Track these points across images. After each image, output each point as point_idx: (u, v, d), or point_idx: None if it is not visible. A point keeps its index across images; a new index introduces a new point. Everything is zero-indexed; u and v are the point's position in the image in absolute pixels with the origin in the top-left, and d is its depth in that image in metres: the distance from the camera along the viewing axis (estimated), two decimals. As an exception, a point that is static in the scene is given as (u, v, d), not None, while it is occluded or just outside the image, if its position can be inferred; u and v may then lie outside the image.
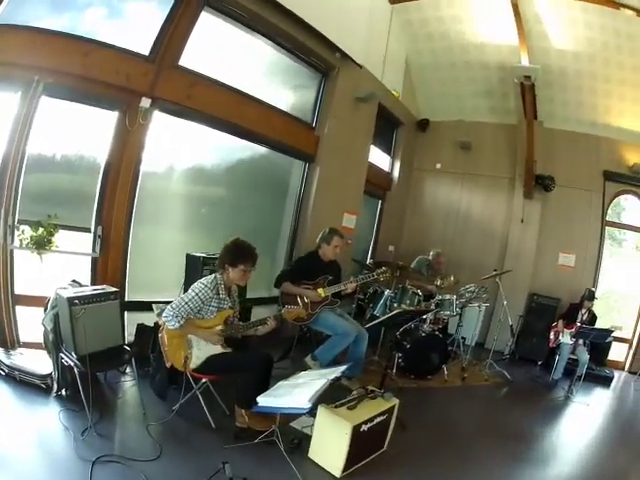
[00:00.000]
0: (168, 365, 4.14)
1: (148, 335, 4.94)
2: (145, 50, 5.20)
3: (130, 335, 5.19)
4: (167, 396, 4.44)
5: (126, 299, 5.32)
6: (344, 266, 6.79)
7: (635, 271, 10.23)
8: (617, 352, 9.92)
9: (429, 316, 7.08)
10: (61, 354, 4.06)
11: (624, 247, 11.04)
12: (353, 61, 7.51)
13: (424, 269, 8.36)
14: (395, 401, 4.41)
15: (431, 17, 8.92)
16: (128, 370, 4.91)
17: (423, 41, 9.38)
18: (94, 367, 3.97)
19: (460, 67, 9.54)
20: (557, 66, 8.84)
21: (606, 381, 8.62)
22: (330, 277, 5.70)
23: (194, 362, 4.06)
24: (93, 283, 4.94)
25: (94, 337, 4.15)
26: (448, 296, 7.30)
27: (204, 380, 4.24)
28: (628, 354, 9.82)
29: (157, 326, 4.49)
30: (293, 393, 3.71)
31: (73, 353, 3.98)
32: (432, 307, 7.14)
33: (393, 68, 9.28)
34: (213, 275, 4.28)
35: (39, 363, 4.26)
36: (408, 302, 6.95)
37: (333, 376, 3.89)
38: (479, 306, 7.96)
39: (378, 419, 4.12)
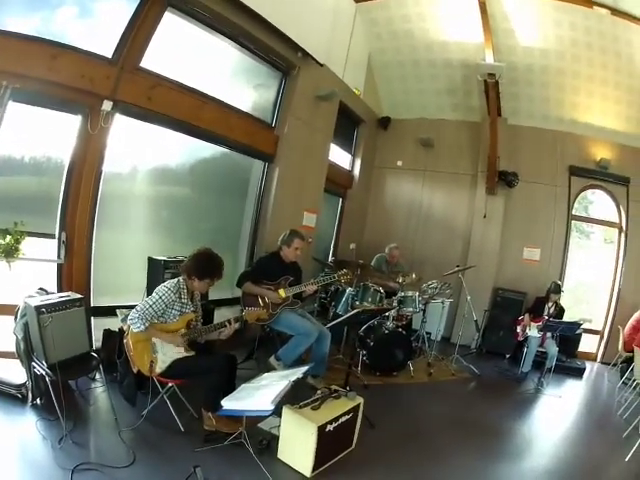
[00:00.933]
0: (135, 370, 4.28)
1: (114, 340, 5.00)
2: (109, 52, 5.31)
3: (97, 341, 5.30)
4: (136, 401, 4.57)
5: (92, 305, 5.43)
6: (305, 265, 7.10)
7: (604, 263, 10.72)
8: (588, 343, 10.35)
9: (392, 313, 7.31)
10: (33, 363, 4.18)
11: (592, 240, 11.56)
12: (314, 60, 7.74)
13: (384, 266, 8.68)
14: (359, 400, 4.60)
15: (396, 15, 9.20)
16: (97, 376, 5.05)
17: (387, 39, 9.67)
18: (64, 375, 4.08)
19: (423, 65, 9.87)
20: (523, 63, 9.23)
21: (578, 372, 9.01)
22: (291, 278, 5.95)
23: (159, 366, 4.22)
24: (60, 290, 5.07)
25: (62, 345, 4.29)
26: (410, 293, 7.56)
27: (170, 384, 4.40)
28: (599, 345, 10.36)
29: (122, 331, 4.59)
30: (256, 396, 3.89)
31: (44, 362, 4.11)
32: (394, 304, 7.40)
33: (355, 66, 9.57)
34: (177, 279, 4.44)
35: (13, 372, 4.37)
36: (370, 300, 7.21)
37: (295, 377, 4.07)
38: (442, 302, 8.22)
39: (343, 418, 4.31)
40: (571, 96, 9.69)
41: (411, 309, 7.56)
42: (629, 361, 8.27)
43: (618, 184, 10.22)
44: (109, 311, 5.35)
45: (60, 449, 3.60)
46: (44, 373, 4.06)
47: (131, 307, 4.26)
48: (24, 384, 4.24)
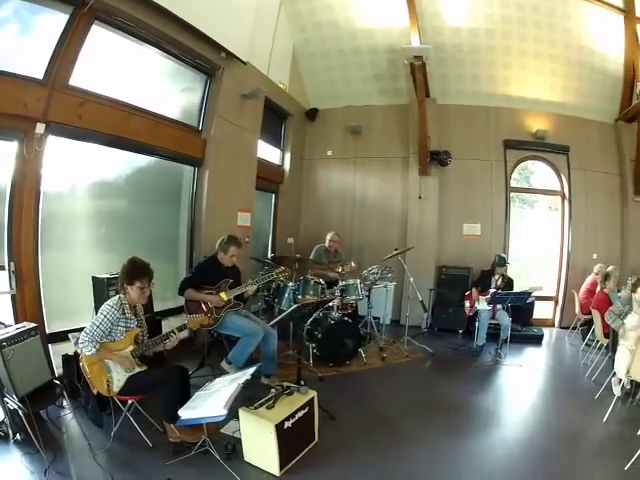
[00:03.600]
0: (95, 392, 4.67)
1: (73, 365, 5.31)
2: (39, 74, 5.69)
3: (58, 367, 5.66)
4: (103, 423, 5.00)
5: (47, 332, 5.80)
6: (244, 265, 7.81)
7: (550, 231, 12.04)
8: (544, 310, 11.65)
9: (335, 303, 8.09)
10: (5, 399, 4.49)
11: (536, 209, 12.96)
12: (238, 59, 8.47)
13: (324, 257, 9.45)
14: (312, 393, 5.03)
15: (319, 6, 10.20)
16: (64, 403, 5.43)
17: (311, 31, 10.64)
18: (34, 406, 4.49)
19: (348, 53, 10.90)
20: (452, 43, 10.32)
21: (536, 340, 10.10)
22: (231, 280, 6.53)
23: (116, 385, 4.61)
24: (16, 321, 5.45)
25: (27, 376, 4.70)
26: (352, 281, 8.39)
27: (130, 401, 4.83)
28: (555, 311, 11.71)
29: (77, 355, 4.92)
30: (209, 402, 4.29)
31: (14, 395, 4.47)
32: (336, 294, 8.19)
33: (280, 61, 10.46)
34: (117, 296, 4.83)
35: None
36: (312, 292, 7.98)
37: (244, 379, 4.49)
38: (385, 286, 9.06)
39: (300, 413, 4.73)
40: (503, 72, 10.84)
41: (354, 297, 8.37)
42: (589, 324, 9.30)
43: (558, 153, 11.50)
44: (64, 336, 5.73)
45: (47, 481, 4.02)
46: (16, 407, 4.44)
47: (82, 329, 4.60)
48: (3, 421, 4.58)
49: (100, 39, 6.46)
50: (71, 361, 5.41)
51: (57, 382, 5.28)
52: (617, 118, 11.77)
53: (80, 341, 4.51)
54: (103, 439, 4.70)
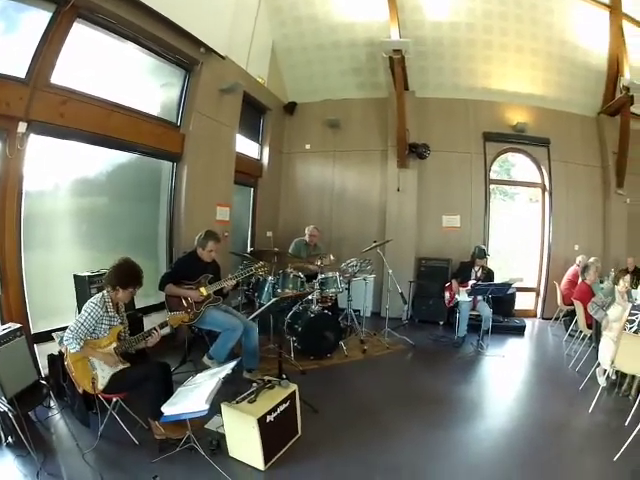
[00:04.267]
0: (80, 391, 4.79)
1: (58, 365, 5.37)
2: (22, 72, 5.77)
3: (44, 368, 5.73)
4: (89, 422, 5.10)
5: (32, 332, 5.87)
6: (223, 261, 7.96)
7: (531, 222, 12.49)
8: (526, 301, 12.10)
9: (315, 296, 8.34)
10: None
11: (517, 201, 13.35)
12: (217, 53, 8.73)
13: (303, 250, 9.76)
14: (294, 387, 5.18)
15: (300, 0, 10.51)
16: (52, 403, 5.52)
17: (291, 25, 10.95)
18: (22, 408, 4.51)
19: (328, 47, 11.22)
20: (432, 37, 10.68)
21: (518, 330, 10.42)
22: (210, 275, 6.69)
23: (101, 383, 4.72)
24: (2, 322, 5.51)
25: (14, 377, 4.83)
26: (331, 274, 8.66)
27: (115, 399, 4.99)
28: (537, 302, 12.16)
29: (62, 354, 4.99)
30: (191, 397, 4.38)
31: (3, 397, 4.55)
32: (316, 287, 8.42)
33: (259, 55, 10.75)
34: (101, 293, 4.92)
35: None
36: (291, 286, 8.16)
37: (224, 374, 4.60)
38: (364, 279, 9.34)
39: (281, 407, 4.86)
40: (483, 65, 11.23)
41: (333, 290, 8.65)
42: (571, 314, 9.58)
43: (538, 146, 11.93)
44: (49, 336, 5.77)
45: (40, 483, 4.11)
46: (6, 409, 4.43)
47: (66, 328, 4.70)
48: (-6, 425, 4.60)
49: (80, 36, 6.52)
50: (56, 361, 5.50)
51: (44, 382, 5.43)
52: (600, 111, 12.21)
53: (65, 339, 4.62)
54: (91, 438, 4.80)
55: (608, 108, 12.06)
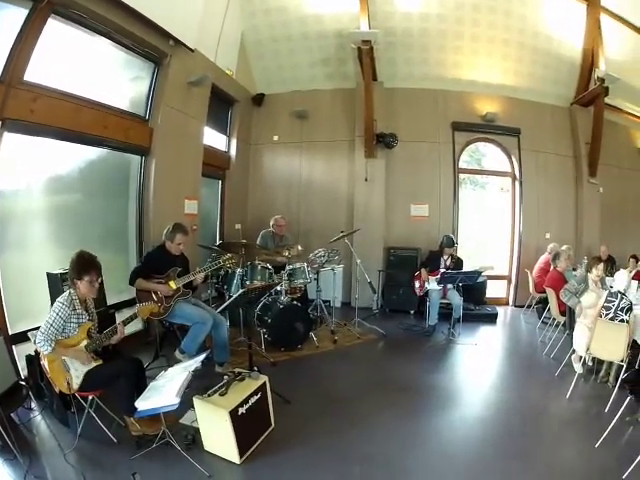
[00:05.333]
0: (57, 391, 4.95)
1: (36, 365, 5.50)
2: None
3: (24, 369, 5.93)
4: (69, 421, 5.23)
5: (10, 333, 6.01)
6: (192, 254, 8.39)
7: (502, 211, 13.04)
8: (498, 289, 12.66)
9: (284, 287, 8.71)
10: None
11: (488, 190, 13.93)
12: (185, 46, 8.97)
13: (270, 241, 10.06)
14: (264, 378, 5.38)
15: None
16: (33, 405, 5.67)
17: (260, 16, 11.37)
18: (4, 410, 4.67)
19: (297, 39, 11.66)
20: (402, 27, 11.14)
21: (491, 318, 10.93)
22: (179, 269, 6.92)
23: (75, 382, 4.86)
24: None
25: None
26: (299, 265, 9.01)
27: (91, 397, 5.12)
28: (509, 290, 12.74)
29: (38, 354, 5.13)
30: (162, 391, 4.56)
31: None
32: (284, 278, 8.76)
33: (228, 47, 11.12)
34: (67, 292, 5.03)
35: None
36: (259, 277, 8.45)
37: (194, 367, 4.82)
38: (333, 269, 9.66)
39: (253, 399, 5.06)
40: (453, 56, 11.78)
41: (302, 280, 9.01)
42: (544, 302, 9.99)
43: (508, 135, 12.49)
44: (26, 336, 5.82)
45: (27, 486, 4.24)
46: None
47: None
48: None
49: (50, 31, 6.65)
50: (34, 361, 5.62)
51: (23, 383, 5.60)
52: (572, 102, 12.81)
53: (37, 341, 4.75)
54: (71, 438, 4.95)
55: (581, 99, 12.62)
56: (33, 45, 6.38)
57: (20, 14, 6.24)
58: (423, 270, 9.98)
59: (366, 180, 12.17)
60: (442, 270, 9.68)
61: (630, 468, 4.61)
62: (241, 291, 6.44)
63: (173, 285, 6.78)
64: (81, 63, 7.55)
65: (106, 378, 5.06)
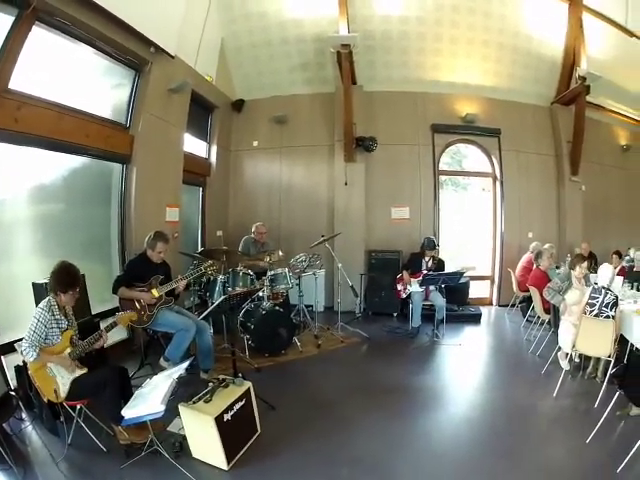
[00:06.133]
0: (45, 400, 4.99)
1: (25, 375, 5.42)
2: None
3: (13, 379, 5.99)
4: (58, 431, 5.28)
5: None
6: (174, 261, 8.49)
7: (484, 212, 13.27)
8: (481, 290, 12.90)
9: (266, 292, 8.83)
10: None
11: (469, 191, 14.20)
12: (166, 52, 9.09)
13: (252, 247, 10.24)
14: (248, 384, 5.46)
15: None
16: (23, 415, 5.73)
17: (240, 22, 11.57)
18: None
19: (276, 44, 11.86)
20: (381, 30, 11.40)
21: (475, 318, 11.17)
22: (161, 277, 7.00)
23: (63, 391, 4.96)
24: None
25: None
26: (280, 270, 9.11)
27: (79, 406, 5.17)
28: (492, 290, 12.97)
29: (26, 364, 5.14)
30: (148, 399, 4.63)
31: None
32: (266, 284, 8.87)
33: (208, 53, 11.32)
34: (47, 298, 5.12)
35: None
36: (241, 284, 8.56)
37: (178, 374, 4.88)
38: (314, 273, 9.84)
39: (237, 405, 5.14)
40: (433, 58, 12.03)
41: (284, 286, 9.11)
42: (528, 300, 10.27)
43: (488, 136, 12.73)
44: (13, 347, 6.01)
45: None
46: None
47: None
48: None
49: (32, 39, 6.75)
50: (23, 372, 5.57)
51: (13, 394, 5.71)
52: (553, 101, 13.12)
53: (23, 349, 4.84)
54: (62, 448, 5.01)
55: (562, 98, 12.92)
56: (18, 53, 6.49)
57: (4, 22, 6.35)
58: (405, 272, 10.15)
59: (346, 184, 12.44)
60: (424, 272, 9.83)
61: (623, 463, 4.72)
62: (222, 297, 6.67)
63: (155, 293, 6.87)
64: (63, 71, 7.64)
65: (92, 387, 5.12)
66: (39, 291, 6.25)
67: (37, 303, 5.80)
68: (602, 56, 12.32)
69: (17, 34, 6.42)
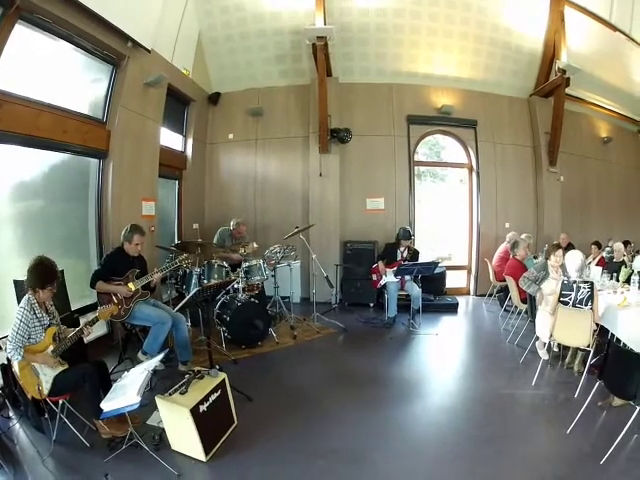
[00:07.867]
0: (30, 397, 5.13)
1: (10, 373, 5.62)
2: None
3: None
4: (43, 427, 5.43)
5: None
6: (151, 255, 8.90)
7: (461, 203, 13.73)
8: (458, 279, 13.36)
9: (241, 284, 9.13)
10: None
11: (447, 182, 14.71)
12: (142, 47, 9.34)
13: (227, 239, 10.61)
14: (222, 375, 5.59)
15: None
16: (10, 413, 5.86)
17: (217, 15, 11.91)
18: None
19: (252, 36, 12.24)
20: (358, 22, 11.78)
21: (451, 308, 11.61)
22: (137, 270, 7.23)
23: (46, 387, 5.09)
24: None
25: None
26: (255, 262, 9.45)
27: (61, 402, 5.28)
28: (469, 280, 13.46)
29: (10, 362, 5.32)
30: (125, 392, 4.76)
31: None
32: (241, 275, 9.18)
33: (185, 47, 11.82)
34: (26, 296, 5.21)
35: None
36: (216, 276, 8.85)
37: (153, 367, 5.06)
38: (289, 265, 10.18)
39: (213, 396, 5.28)
40: (410, 50, 12.43)
41: (259, 277, 9.47)
42: (505, 290, 10.63)
43: (464, 127, 13.19)
44: None
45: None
46: None
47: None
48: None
49: (16, 37, 6.92)
50: (8, 370, 5.71)
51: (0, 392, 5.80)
52: (532, 93, 13.59)
53: (7, 350, 4.98)
54: (48, 444, 5.14)
55: (541, 90, 13.39)
56: (0, 52, 6.63)
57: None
58: (380, 263, 10.52)
59: (320, 175, 12.96)
60: (400, 262, 10.15)
61: (607, 453, 4.90)
62: (195, 290, 6.64)
63: (132, 287, 7.09)
64: (40, 67, 7.79)
65: (73, 382, 5.27)
66: (21, 288, 6.29)
67: (19, 300, 5.97)
68: (583, 49, 12.73)
69: (0, 33, 6.56)
